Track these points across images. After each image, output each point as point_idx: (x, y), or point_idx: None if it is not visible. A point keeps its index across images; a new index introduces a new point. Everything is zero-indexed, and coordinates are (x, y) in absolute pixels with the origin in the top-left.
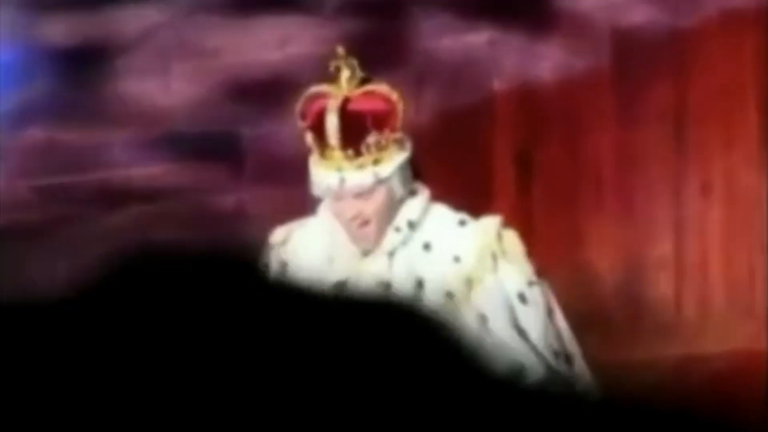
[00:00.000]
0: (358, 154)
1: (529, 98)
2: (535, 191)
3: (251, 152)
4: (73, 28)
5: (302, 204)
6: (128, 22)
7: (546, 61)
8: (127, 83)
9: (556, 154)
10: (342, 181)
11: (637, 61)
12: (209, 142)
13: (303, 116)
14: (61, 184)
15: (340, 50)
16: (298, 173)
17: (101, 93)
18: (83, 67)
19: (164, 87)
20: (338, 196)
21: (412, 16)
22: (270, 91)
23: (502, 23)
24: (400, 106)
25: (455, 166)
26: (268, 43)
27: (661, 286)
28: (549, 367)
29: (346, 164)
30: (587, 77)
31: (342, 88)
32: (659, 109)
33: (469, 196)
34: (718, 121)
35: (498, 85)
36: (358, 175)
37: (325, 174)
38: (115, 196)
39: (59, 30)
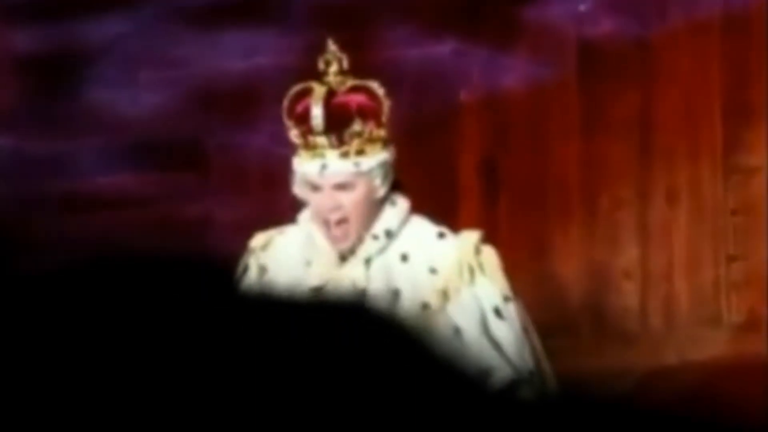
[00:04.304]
0: (341, 142)
1: (495, 108)
2: (501, 200)
3: (218, 161)
4: (41, 38)
5: (268, 212)
6: (95, 31)
7: (512, 71)
8: (95, 92)
9: (522, 164)
10: (323, 167)
11: (603, 71)
12: (176, 151)
13: (289, 113)
14: (29, 192)
15: (331, 44)
16: (264, 182)
17: (69, 102)
18: (51, 76)
19: (131, 96)
20: (318, 186)
21: (377, 26)
22: (237, 101)
23: (467, 33)
24: (386, 104)
25: (421, 176)
26: (235, 53)
27: (627, 295)
28: (520, 375)
29: (329, 152)
30: (553, 87)
31: (329, 83)
32: (625, 118)
33: (435, 206)
34: (683, 130)
35: (464, 95)
36: (340, 162)
37: (308, 163)
38: (82, 205)
39: (27, 39)
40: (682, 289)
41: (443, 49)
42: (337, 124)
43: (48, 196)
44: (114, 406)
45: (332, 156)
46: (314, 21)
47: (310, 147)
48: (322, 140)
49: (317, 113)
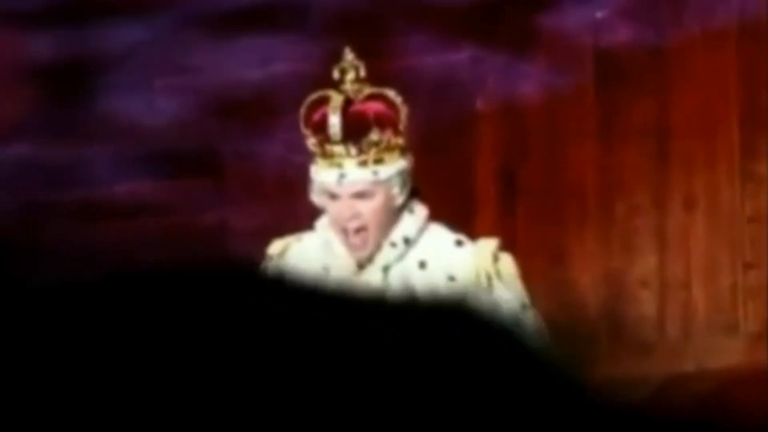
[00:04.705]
0: (359, 150)
1: (511, 116)
2: (518, 208)
3: (234, 169)
4: (57, 45)
5: (285, 219)
6: (111, 39)
7: (529, 79)
8: (110, 100)
9: (539, 172)
10: (341, 176)
11: (619, 79)
12: (192, 159)
13: (306, 121)
14: (46, 199)
15: (348, 53)
16: (281, 189)
17: (84, 110)
18: (66, 84)
19: (147, 104)
20: (337, 195)
21: (394, 34)
22: (252, 109)
23: (484, 41)
24: (403, 111)
25: (439, 183)
26: (252, 61)
27: (643, 303)
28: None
29: (347, 161)
30: (570, 95)
31: (346, 91)
32: (642, 125)
33: (452, 213)
34: (700, 137)
35: (481, 103)
36: (358, 171)
37: (326, 172)
38: (98, 213)
39: (43, 47)
40: (699, 297)
41: (460, 56)
42: (355, 132)
43: (64, 204)
44: (130, 415)
45: (350, 165)
46: (331, 28)
47: (327, 156)
48: (339, 149)
49: (335, 122)
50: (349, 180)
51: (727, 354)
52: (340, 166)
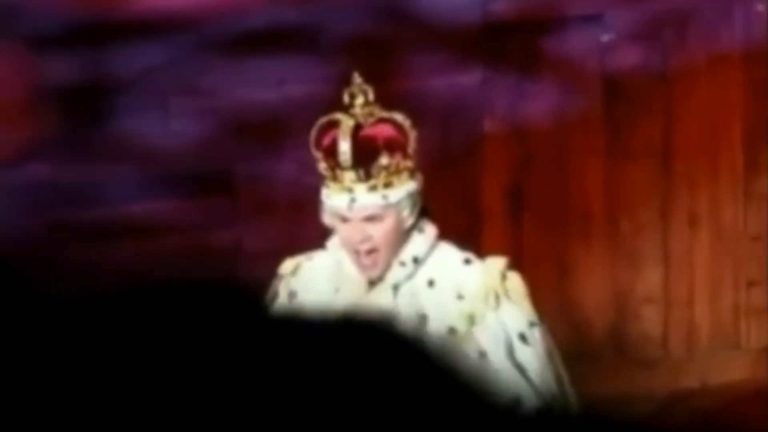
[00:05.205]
0: (369, 175)
1: (519, 137)
2: (525, 227)
3: (247, 189)
4: (74, 68)
5: (297, 238)
6: (127, 61)
7: (536, 100)
8: (127, 121)
9: (546, 191)
10: (352, 201)
11: (625, 101)
12: (206, 179)
13: (317, 144)
14: (62, 219)
15: (357, 77)
16: (293, 209)
17: (101, 131)
18: (84, 106)
19: (163, 125)
20: (347, 218)
21: (404, 56)
22: (266, 130)
23: (492, 64)
24: (412, 135)
25: (448, 203)
26: (265, 83)
27: (648, 320)
28: (545, 401)
29: (357, 186)
30: (577, 116)
31: (356, 115)
32: (647, 145)
33: (461, 232)
34: (704, 156)
35: (489, 124)
36: (368, 196)
37: (337, 197)
38: (114, 232)
39: (60, 69)
40: (703, 314)
41: (469, 78)
42: (365, 158)
43: (81, 223)
44: (137, 418)
45: (360, 190)
46: (343, 51)
47: (338, 180)
48: (350, 174)
49: (345, 149)
50: (360, 204)
51: (730, 370)
52: (350, 191)
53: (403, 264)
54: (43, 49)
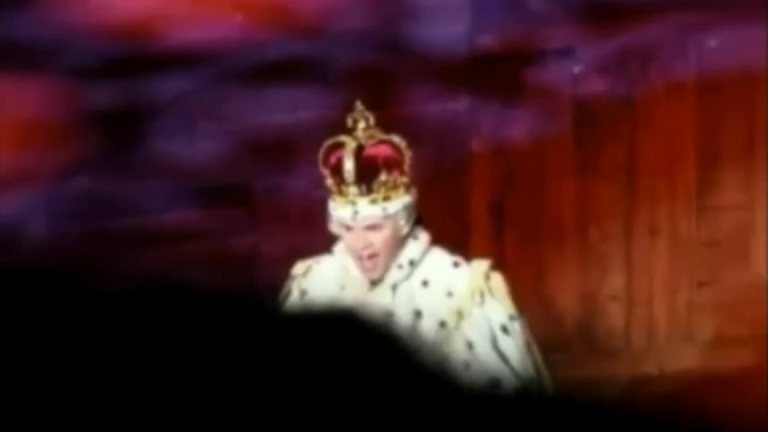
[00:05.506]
0: (370, 190)
1: (502, 156)
2: (507, 235)
3: (263, 201)
4: (113, 95)
5: (307, 244)
6: (159, 89)
7: (517, 124)
8: (159, 142)
9: (525, 204)
10: (355, 213)
11: (595, 125)
12: (228, 192)
13: (324, 162)
14: (102, 227)
15: (359, 105)
16: (304, 219)
17: (138, 149)
18: (121, 128)
19: (190, 145)
20: (351, 227)
21: (402, 85)
22: (280, 149)
23: (479, 92)
24: (408, 154)
25: (439, 213)
26: (280, 108)
27: (613, 316)
28: (524, 384)
29: (359, 199)
30: (552, 139)
31: (358, 138)
32: (613, 164)
33: (450, 239)
34: (662, 174)
35: (475, 145)
36: (369, 208)
37: (342, 209)
38: (147, 239)
39: (101, 96)
40: (660, 310)
41: (457, 105)
42: (366, 175)
43: (118, 231)
44: (161, 428)
45: (362, 203)
46: (348, 81)
47: (343, 194)
48: (353, 189)
49: (349, 167)
50: (362, 216)
51: (683, 359)
52: (353, 204)
53: (400, 266)
54: (85, 79)
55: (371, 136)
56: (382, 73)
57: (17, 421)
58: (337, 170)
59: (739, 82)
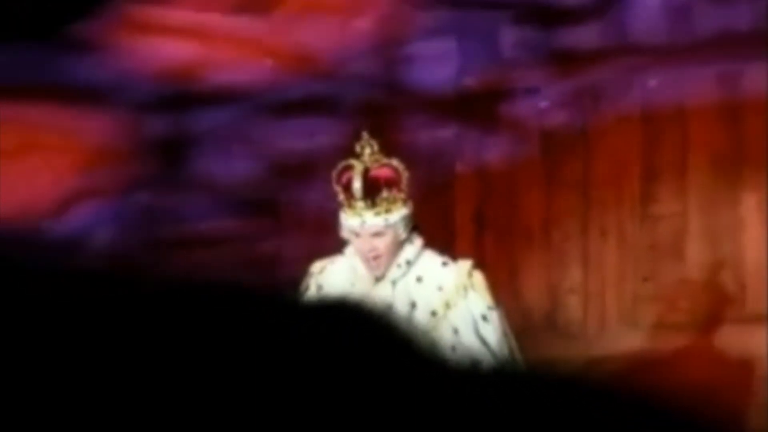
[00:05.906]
0: (374, 204)
1: (482, 176)
2: (486, 240)
3: (287, 212)
4: (165, 124)
5: (323, 247)
6: (203, 120)
7: (494, 149)
8: (201, 163)
9: (501, 214)
10: (363, 223)
11: (556, 148)
12: (257, 204)
13: (337, 181)
14: (156, 234)
15: (365, 134)
16: (320, 227)
17: (184, 169)
18: (171, 151)
19: (227, 165)
20: (359, 234)
21: (400, 116)
22: (301, 169)
23: (463, 122)
24: (405, 175)
25: (430, 222)
26: (300, 136)
27: (571, 306)
28: (501, 364)
29: (366, 212)
30: (522, 160)
31: (365, 162)
32: (571, 179)
33: (440, 243)
34: (612, 187)
35: (459, 166)
36: (374, 219)
37: (351, 220)
38: (190, 244)
39: (155, 125)
40: (611, 301)
41: (445, 133)
42: (371, 192)
43: (167, 238)
44: (188, 422)
45: (368, 215)
46: (357, 114)
47: (352, 208)
48: (360, 204)
49: (357, 186)
50: (368, 225)
51: (630, 343)
52: (361, 215)
53: (399, 266)
54: (143, 112)
55: (375, 160)
56: (384, 108)
57: (75, 417)
58: (347, 188)
59: (675, 114)
